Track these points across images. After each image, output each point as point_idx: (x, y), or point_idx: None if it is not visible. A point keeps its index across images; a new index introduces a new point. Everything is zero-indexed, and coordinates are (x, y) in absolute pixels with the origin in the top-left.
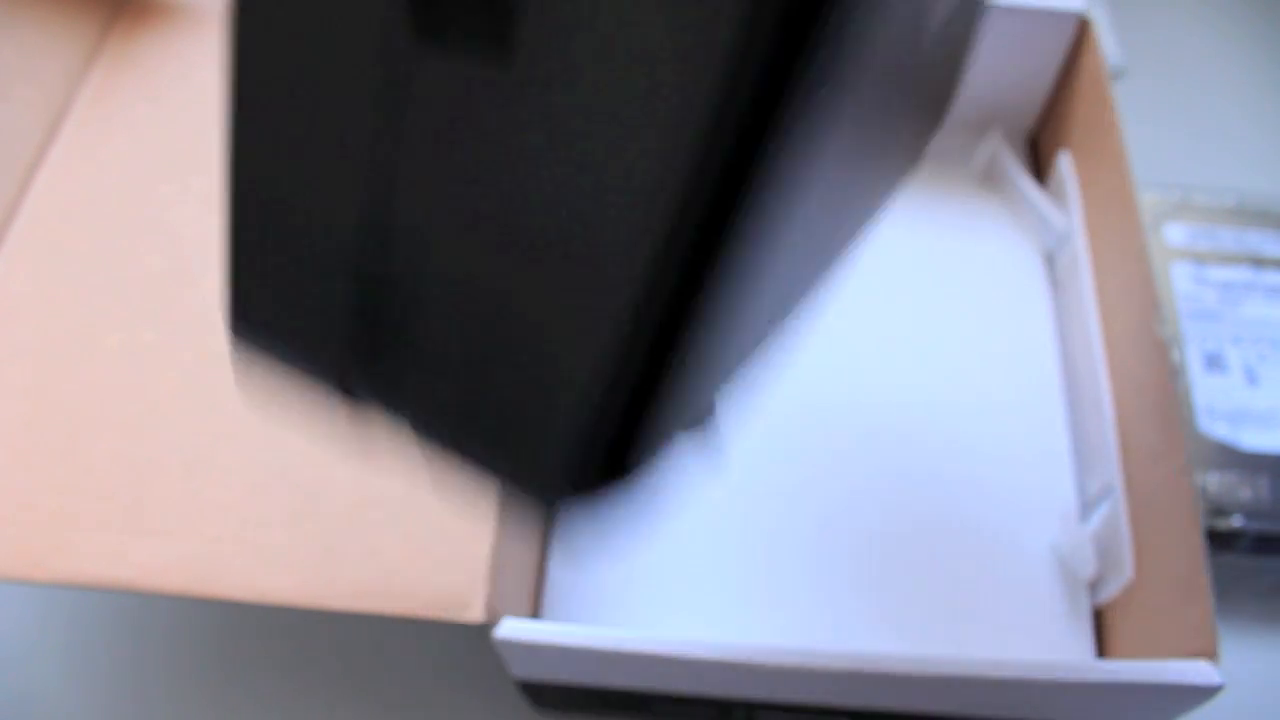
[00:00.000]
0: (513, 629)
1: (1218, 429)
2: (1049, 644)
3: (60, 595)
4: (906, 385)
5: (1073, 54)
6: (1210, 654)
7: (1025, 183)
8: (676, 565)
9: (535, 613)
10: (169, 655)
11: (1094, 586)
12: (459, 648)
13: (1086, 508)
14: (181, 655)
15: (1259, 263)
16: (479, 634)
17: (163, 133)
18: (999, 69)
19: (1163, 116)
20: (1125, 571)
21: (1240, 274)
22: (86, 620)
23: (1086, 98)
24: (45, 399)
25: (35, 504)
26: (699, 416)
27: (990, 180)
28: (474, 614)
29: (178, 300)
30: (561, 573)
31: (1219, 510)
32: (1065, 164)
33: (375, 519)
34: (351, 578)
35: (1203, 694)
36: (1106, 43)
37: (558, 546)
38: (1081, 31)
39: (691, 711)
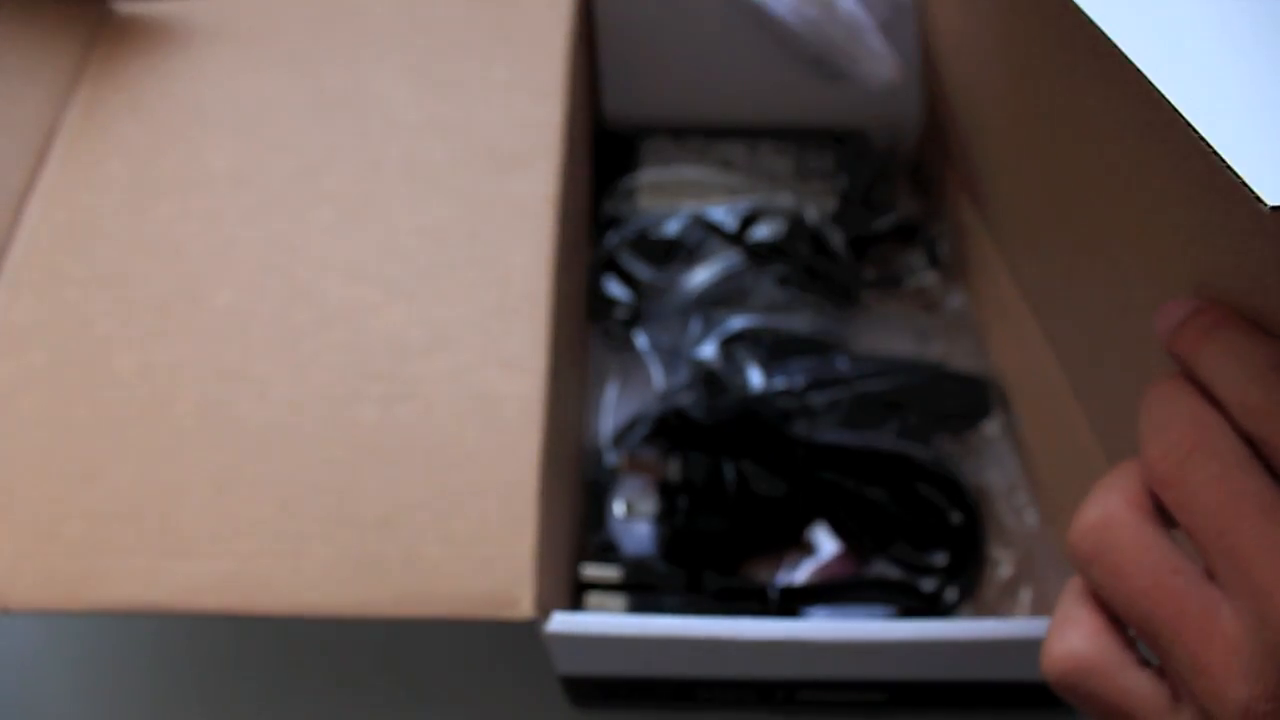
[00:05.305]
0: (564, 623)
1: None
2: None
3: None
4: None
5: None
6: None
7: None
8: None
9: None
10: (193, 670)
11: None
12: (489, 650)
13: None
14: (195, 670)
15: None
16: (517, 633)
17: (155, 151)
18: None
19: None
20: None
21: None
22: (102, 638)
23: None
24: (61, 426)
25: (60, 533)
26: None
27: None
28: (523, 610)
29: (189, 319)
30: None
31: None
32: None
33: (413, 523)
34: (393, 584)
35: None
36: None
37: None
38: None
39: (732, 696)
